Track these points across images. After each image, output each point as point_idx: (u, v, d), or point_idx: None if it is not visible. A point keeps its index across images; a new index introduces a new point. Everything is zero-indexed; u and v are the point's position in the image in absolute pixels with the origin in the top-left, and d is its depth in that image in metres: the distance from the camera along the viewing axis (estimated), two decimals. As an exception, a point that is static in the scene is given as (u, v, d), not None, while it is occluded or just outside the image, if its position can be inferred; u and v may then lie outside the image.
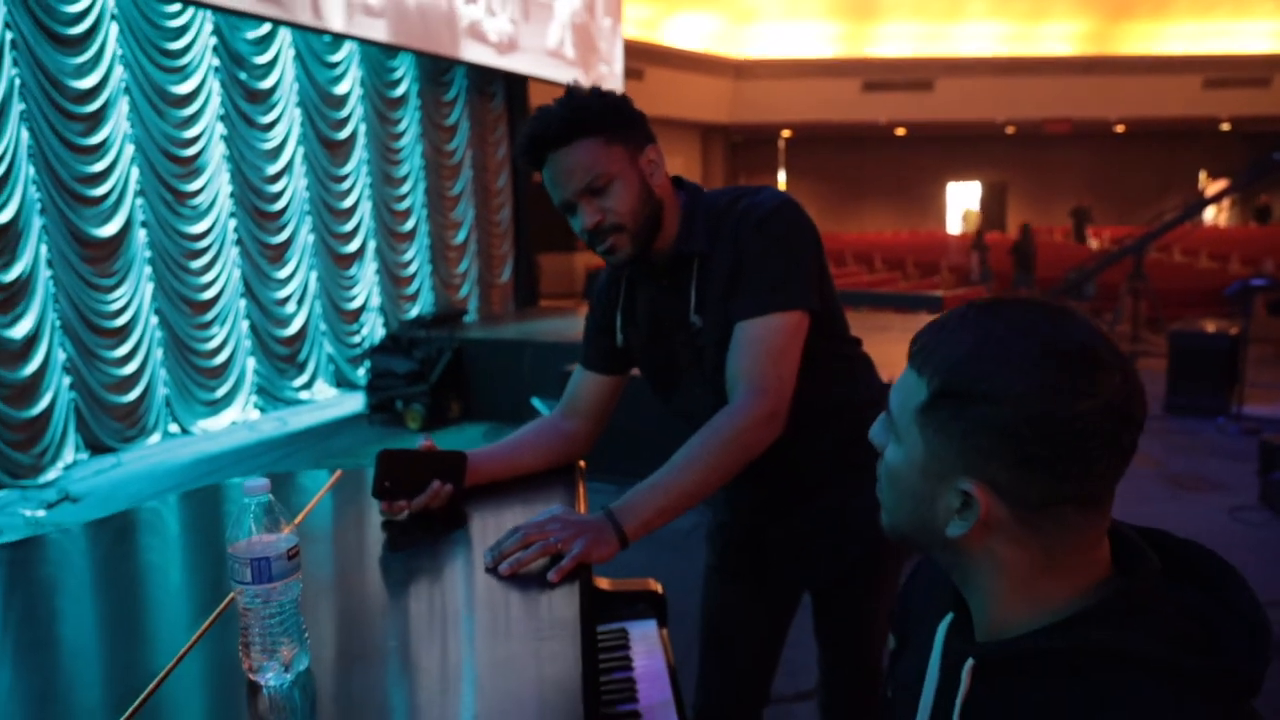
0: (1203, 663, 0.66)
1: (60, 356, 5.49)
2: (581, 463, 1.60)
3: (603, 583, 1.49)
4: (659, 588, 1.49)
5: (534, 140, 1.35)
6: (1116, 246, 10.27)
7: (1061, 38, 18.94)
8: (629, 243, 1.38)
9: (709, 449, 1.31)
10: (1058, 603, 0.71)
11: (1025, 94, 18.73)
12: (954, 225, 22.99)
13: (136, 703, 0.91)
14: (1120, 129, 21.51)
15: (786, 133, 21.09)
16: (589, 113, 1.34)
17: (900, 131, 21.45)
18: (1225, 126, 21.13)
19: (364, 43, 7.36)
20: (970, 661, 0.74)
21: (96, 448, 5.73)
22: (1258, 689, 0.67)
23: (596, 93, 1.37)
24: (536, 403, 4.61)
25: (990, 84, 18.68)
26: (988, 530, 0.71)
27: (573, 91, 1.37)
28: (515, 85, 9.39)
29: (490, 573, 1.16)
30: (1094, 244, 16.04)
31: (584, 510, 1.39)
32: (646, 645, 1.41)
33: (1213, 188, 17.32)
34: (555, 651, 0.99)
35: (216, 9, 5.99)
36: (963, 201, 23.56)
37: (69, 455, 5.48)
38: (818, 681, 1.71)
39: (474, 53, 8.03)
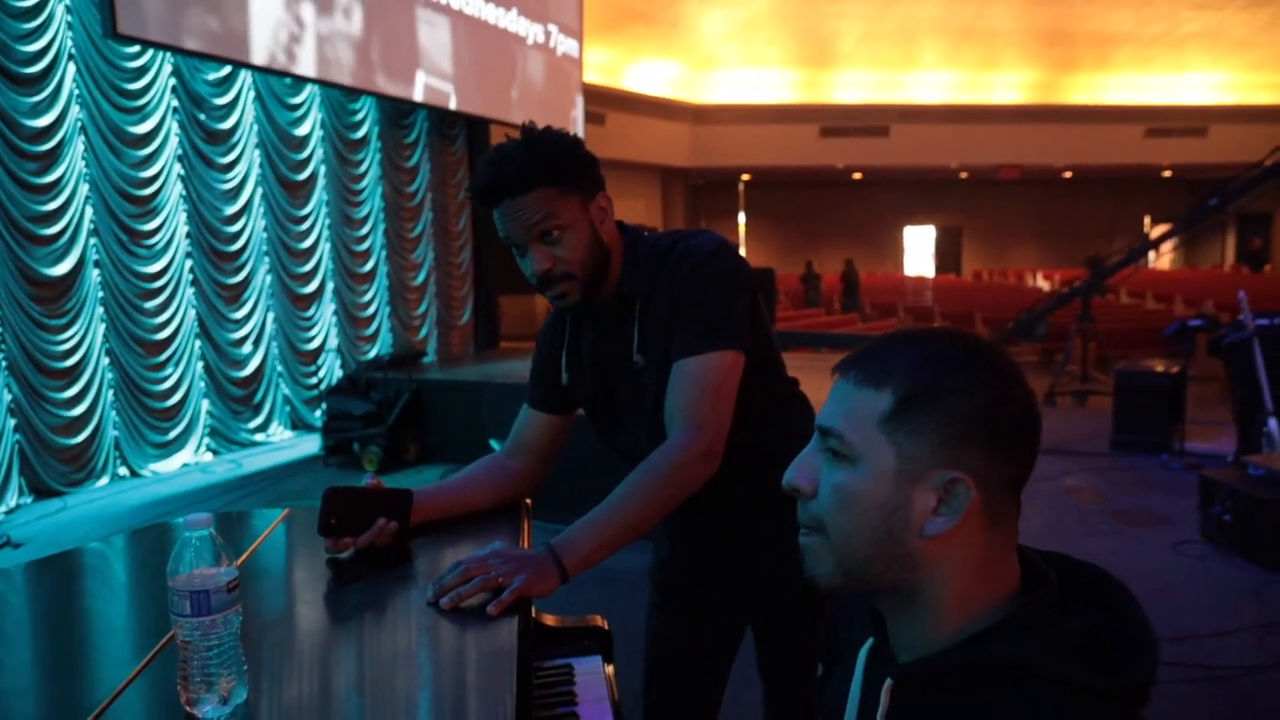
0: (1098, 676, 0.70)
1: (6, 397, 5.39)
2: (528, 500, 1.62)
3: (549, 619, 1.51)
4: (605, 624, 1.51)
5: (491, 188, 1.36)
6: (1066, 288, 10.55)
7: (1011, 87, 19.55)
8: (578, 290, 1.42)
9: (647, 485, 1.34)
10: (980, 612, 0.75)
11: (977, 141, 19.27)
12: (912, 268, 23.44)
13: (71, 739, 0.91)
14: (1068, 175, 22.20)
15: (746, 176, 21.44)
16: (547, 162, 1.35)
17: (857, 176, 21.90)
18: (1167, 174, 21.91)
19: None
20: (889, 682, 0.78)
21: (41, 491, 5.59)
22: (1147, 700, 0.71)
23: (553, 139, 1.38)
24: (495, 445, 4.60)
25: (944, 131, 19.19)
26: (964, 521, 0.74)
27: (530, 137, 1.37)
28: (476, 128, 9.47)
29: (432, 606, 1.18)
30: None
31: (528, 547, 1.42)
32: (591, 681, 1.42)
33: (1156, 232, 17.89)
34: (492, 683, 1.01)
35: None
36: (919, 244, 24.07)
37: (12, 499, 5.35)
38: (763, 717, 1.74)
39: (436, 95, 8.10)
